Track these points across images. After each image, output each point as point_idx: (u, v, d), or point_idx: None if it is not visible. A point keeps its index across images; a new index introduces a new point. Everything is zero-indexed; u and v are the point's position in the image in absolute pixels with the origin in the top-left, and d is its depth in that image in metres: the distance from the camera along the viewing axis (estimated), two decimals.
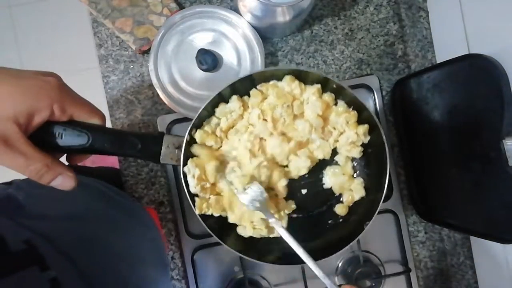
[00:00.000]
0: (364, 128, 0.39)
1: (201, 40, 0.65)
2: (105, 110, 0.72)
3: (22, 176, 0.33)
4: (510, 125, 0.48)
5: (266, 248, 0.40)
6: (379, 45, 0.71)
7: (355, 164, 0.40)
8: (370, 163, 0.41)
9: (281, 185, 0.38)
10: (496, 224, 0.54)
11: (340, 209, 0.41)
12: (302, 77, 0.40)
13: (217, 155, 0.39)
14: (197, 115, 0.41)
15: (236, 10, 0.64)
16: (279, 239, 0.38)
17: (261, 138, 0.39)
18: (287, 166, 0.40)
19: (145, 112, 0.71)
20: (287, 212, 0.38)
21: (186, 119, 0.70)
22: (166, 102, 0.65)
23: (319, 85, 0.40)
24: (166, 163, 0.40)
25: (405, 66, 0.72)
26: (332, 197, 0.42)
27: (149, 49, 0.66)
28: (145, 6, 0.66)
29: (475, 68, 0.53)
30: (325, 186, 0.43)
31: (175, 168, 0.68)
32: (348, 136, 0.39)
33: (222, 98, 0.41)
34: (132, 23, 0.66)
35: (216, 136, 0.40)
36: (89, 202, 0.47)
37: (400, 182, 0.72)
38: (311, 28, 0.71)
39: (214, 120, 0.41)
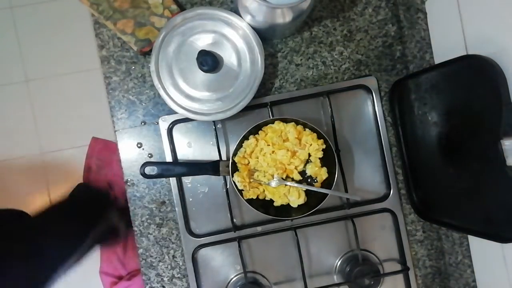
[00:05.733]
0: (321, 141, 0.67)
1: (201, 41, 0.65)
2: (106, 111, 0.73)
3: None
4: (508, 126, 0.48)
5: (286, 211, 0.69)
6: (377, 46, 0.72)
7: (322, 160, 0.69)
8: (328, 158, 0.68)
9: (295, 173, 0.69)
10: (494, 224, 0.55)
11: (317, 184, 0.70)
12: (285, 120, 0.68)
13: (248, 167, 0.68)
14: (235, 148, 0.67)
15: (236, 11, 0.65)
16: (291, 207, 0.68)
17: (273, 151, 0.67)
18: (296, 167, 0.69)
19: (146, 112, 0.71)
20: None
21: (187, 120, 0.70)
22: (167, 103, 0.66)
23: (293, 122, 0.67)
24: (223, 175, 0.68)
25: (403, 67, 0.72)
26: (312, 179, 0.70)
27: (150, 50, 0.66)
28: (146, 7, 0.67)
29: (473, 68, 0.54)
30: (307, 174, 0.70)
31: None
32: (314, 146, 0.67)
33: (244, 137, 0.67)
34: (134, 24, 0.67)
35: (245, 157, 0.68)
36: None
37: (398, 181, 0.72)
38: (311, 29, 0.72)
39: (242, 149, 0.68)
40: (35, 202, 1.57)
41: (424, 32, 0.70)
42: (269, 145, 0.67)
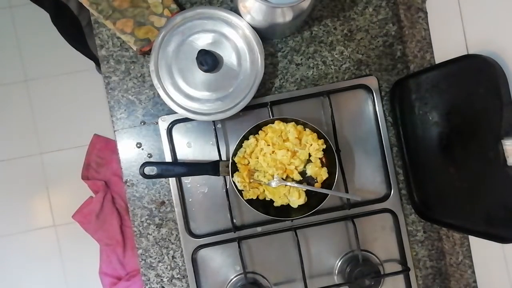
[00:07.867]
0: (321, 141, 0.67)
1: (201, 41, 0.65)
2: (106, 111, 0.73)
3: None
4: (509, 125, 0.48)
5: (286, 212, 0.69)
6: (378, 46, 0.72)
7: (322, 160, 0.69)
8: (328, 158, 0.69)
9: (295, 173, 0.69)
10: (495, 224, 0.54)
11: (317, 185, 0.69)
12: (285, 120, 0.68)
13: (247, 167, 0.67)
14: (235, 148, 0.67)
15: (236, 11, 0.64)
16: (291, 207, 0.68)
17: (273, 151, 0.67)
18: (296, 167, 0.69)
19: (146, 112, 0.71)
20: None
21: (186, 119, 0.70)
22: (167, 103, 0.65)
23: (293, 122, 0.67)
24: (223, 175, 0.68)
25: (404, 67, 0.72)
26: (312, 179, 0.70)
27: (150, 50, 0.66)
28: (146, 7, 0.66)
29: (474, 68, 0.54)
30: (308, 174, 0.70)
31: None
32: (314, 146, 0.67)
33: (244, 137, 0.67)
34: (133, 24, 0.66)
35: (245, 158, 0.68)
36: None
37: (399, 181, 0.72)
38: (311, 29, 0.72)
39: (242, 149, 0.68)
40: (34, 203, 1.56)
41: (425, 31, 0.70)
42: (269, 145, 0.66)
